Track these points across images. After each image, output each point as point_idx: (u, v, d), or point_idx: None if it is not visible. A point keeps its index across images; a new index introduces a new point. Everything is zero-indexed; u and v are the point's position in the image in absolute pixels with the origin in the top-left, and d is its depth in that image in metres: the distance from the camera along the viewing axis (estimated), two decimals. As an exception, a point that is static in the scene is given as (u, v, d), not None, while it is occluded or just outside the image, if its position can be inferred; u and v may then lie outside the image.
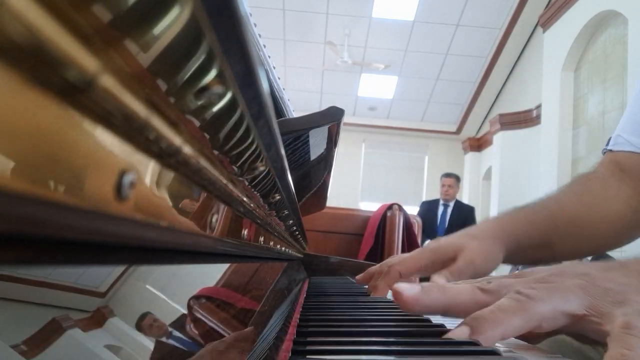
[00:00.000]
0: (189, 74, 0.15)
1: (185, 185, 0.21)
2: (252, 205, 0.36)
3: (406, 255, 0.67)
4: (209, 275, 0.33)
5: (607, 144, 0.88)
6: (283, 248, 0.72)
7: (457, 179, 4.93)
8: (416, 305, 0.43)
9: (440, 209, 4.79)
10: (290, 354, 0.35)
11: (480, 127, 7.95)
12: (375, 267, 0.67)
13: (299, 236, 0.98)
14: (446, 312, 0.44)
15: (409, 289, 0.43)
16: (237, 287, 0.40)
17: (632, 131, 0.83)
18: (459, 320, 0.45)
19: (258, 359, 0.30)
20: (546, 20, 5.28)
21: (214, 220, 0.26)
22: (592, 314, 0.38)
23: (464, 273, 0.66)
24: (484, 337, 0.38)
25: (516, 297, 0.39)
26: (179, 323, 0.25)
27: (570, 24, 4.82)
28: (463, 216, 4.60)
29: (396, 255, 0.80)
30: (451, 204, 4.79)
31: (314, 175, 1.08)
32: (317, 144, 0.76)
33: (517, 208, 0.83)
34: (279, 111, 0.78)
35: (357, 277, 0.85)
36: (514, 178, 6.15)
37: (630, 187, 0.82)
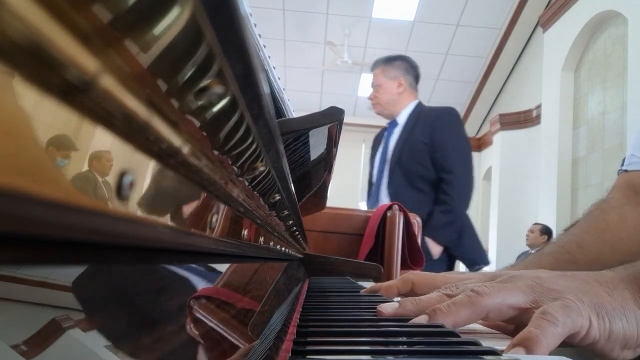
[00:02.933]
0: (189, 74, 0.15)
1: (185, 185, 0.21)
2: (252, 205, 0.36)
3: (495, 284, 0.54)
4: (209, 275, 0.33)
5: (622, 165, 0.87)
6: (283, 248, 0.72)
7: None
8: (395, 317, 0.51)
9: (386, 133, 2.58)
10: (290, 354, 0.35)
11: (480, 127, 7.95)
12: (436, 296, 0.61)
13: (299, 236, 0.98)
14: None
15: (388, 307, 0.53)
16: (237, 287, 0.40)
17: None
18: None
19: (258, 359, 0.30)
20: (546, 20, 5.28)
21: (214, 220, 0.26)
22: (535, 307, 0.46)
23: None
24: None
25: (468, 293, 0.48)
26: (179, 323, 0.25)
27: (570, 24, 4.83)
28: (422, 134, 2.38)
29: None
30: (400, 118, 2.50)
31: (314, 176, 1.08)
32: (317, 144, 0.76)
33: (540, 254, 0.82)
34: (279, 111, 0.78)
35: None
36: (514, 178, 6.15)
37: None
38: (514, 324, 0.51)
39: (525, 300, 0.47)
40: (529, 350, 0.40)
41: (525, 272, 0.53)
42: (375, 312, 0.62)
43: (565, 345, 0.46)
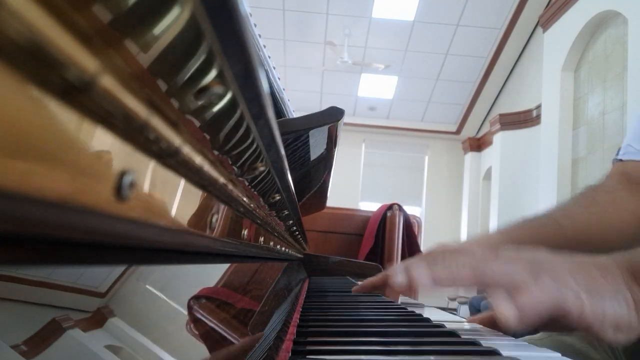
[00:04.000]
0: (189, 74, 0.15)
1: (185, 185, 0.21)
2: (252, 205, 0.36)
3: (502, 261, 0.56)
4: (209, 275, 0.33)
5: (617, 154, 0.88)
6: (283, 248, 0.72)
7: None
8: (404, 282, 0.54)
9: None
10: (290, 354, 0.35)
11: (480, 127, 7.95)
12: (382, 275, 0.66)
13: (299, 236, 0.98)
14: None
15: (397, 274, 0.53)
16: (237, 287, 0.40)
17: None
18: (459, 321, 0.55)
19: (258, 359, 0.30)
20: (546, 20, 5.28)
21: (214, 220, 0.26)
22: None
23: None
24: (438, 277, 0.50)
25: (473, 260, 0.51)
26: (179, 323, 0.25)
27: (570, 24, 4.82)
28: None
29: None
30: None
31: (314, 175, 1.08)
32: (317, 144, 0.76)
33: (524, 219, 0.84)
34: (279, 111, 0.78)
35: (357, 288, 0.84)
36: (514, 178, 6.15)
37: (639, 197, 0.82)
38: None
39: (524, 274, 0.48)
40: (517, 296, 0.45)
41: (526, 253, 0.53)
42: (375, 312, 0.62)
43: (563, 330, 0.48)
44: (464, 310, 5.38)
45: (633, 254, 0.53)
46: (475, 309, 4.42)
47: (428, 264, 0.51)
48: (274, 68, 0.79)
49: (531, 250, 0.54)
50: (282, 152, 0.33)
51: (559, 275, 0.47)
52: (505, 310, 0.45)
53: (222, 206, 0.28)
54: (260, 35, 0.70)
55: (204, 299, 0.30)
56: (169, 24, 0.13)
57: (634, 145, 0.85)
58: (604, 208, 0.82)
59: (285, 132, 0.56)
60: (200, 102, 0.17)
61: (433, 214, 8.13)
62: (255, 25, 0.63)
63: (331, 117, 0.64)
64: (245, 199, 0.33)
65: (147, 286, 0.22)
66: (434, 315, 0.66)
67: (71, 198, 0.12)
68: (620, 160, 0.87)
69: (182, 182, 0.21)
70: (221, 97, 0.18)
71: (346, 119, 0.73)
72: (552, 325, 0.49)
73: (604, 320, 0.46)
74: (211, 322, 0.29)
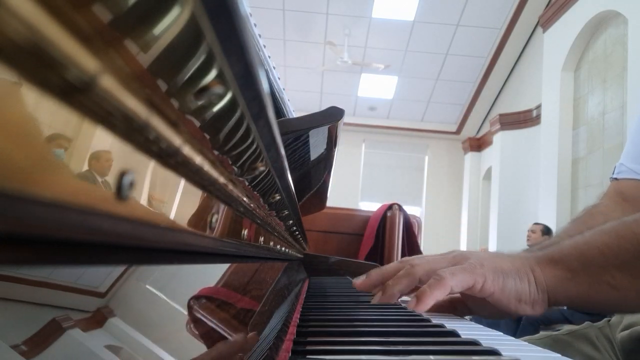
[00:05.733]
0: (189, 74, 0.15)
1: (185, 185, 0.21)
2: (252, 205, 0.36)
3: (430, 258, 0.73)
4: (209, 275, 0.33)
5: (613, 173, 0.91)
6: (283, 248, 0.72)
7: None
8: (363, 285, 0.73)
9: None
10: (290, 354, 0.35)
11: (480, 127, 7.95)
12: (395, 265, 0.74)
13: (299, 236, 0.98)
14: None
15: (358, 280, 0.74)
16: (237, 287, 0.40)
17: (634, 159, 0.88)
18: (459, 322, 0.61)
19: (258, 359, 0.30)
20: (546, 20, 5.28)
21: (214, 220, 0.26)
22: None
23: (462, 312, 0.73)
24: (387, 295, 0.66)
25: (407, 268, 0.67)
26: (179, 323, 0.25)
27: (570, 24, 4.82)
28: None
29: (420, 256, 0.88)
30: None
31: (314, 175, 1.08)
32: (317, 144, 0.76)
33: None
34: (279, 111, 0.78)
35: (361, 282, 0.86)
36: (514, 178, 6.15)
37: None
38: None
39: (448, 266, 0.65)
40: (420, 301, 0.61)
41: (464, 252, 0.69)
42: (374, 312, 0.62)
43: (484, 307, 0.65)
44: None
45: (542, 249, 0.68)
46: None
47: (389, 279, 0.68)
48: (274, 68, 0.79)
49: (476, 251, 0.71)
50: (282, 152, 0.33)
51: (472, 263, 0.63)
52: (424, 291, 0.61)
53: (222, 206, 0.29)
54: (260, 35, 0.70)
55: (204, 299, 0.30)
56: (169, 24, 0.13)
57: (627, 164, 0.88)
58: None
59: (285, 132, 0.56)
60: (200, 102, 0.17)
61: (433, 214, 8.13)
62: (255, 25, 0.63)
63: (331, 117, 0.64)
64: (245, 199, 0.33)
65: (147, 286, 0.22)
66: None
67: (71, 198, 0.12)
68: (616, 179, 0.90)
69: (182, 182, 0.21)
70: (221, 97, 0.18)
71: (346, 119, 0.73)
72: (473, 302, 0.68)
73: (504, 290, 0.62)
74: (211, 322, 0.29)
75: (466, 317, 0.71)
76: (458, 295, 0.71)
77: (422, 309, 0.61)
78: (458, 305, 0.72)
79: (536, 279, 0.63)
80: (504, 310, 0.64)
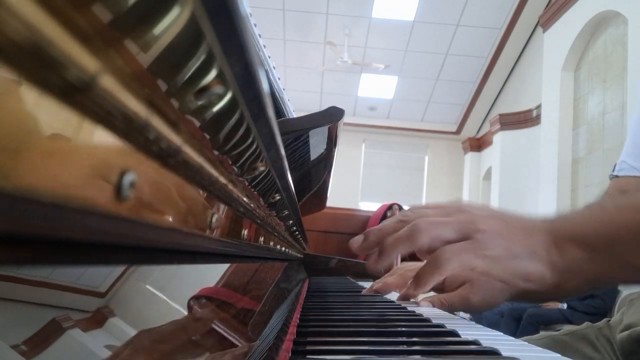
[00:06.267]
0: (189, 74, 0.15)
1: (185, 185, 0.21)
2: (252, 205, 0.36)
3: (431, 214, 0.66)
4: (209, 275, 0.33)
5: (613, 170, 0.91)
6: (283, 248, 0.72)
7: None
8: (360, 247, 0.65)
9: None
10: (290, 354, 0.35)
11: (480, 127, 7.95)
12: (393, 223, 0.68)
13: (299, 236, 0.98)
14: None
15: (355, 242, 0.65)
16: (237, 287, 0.40)
17: (635, 156, 0.87)
18: (459, 322, 0.59)
19: (258, 359, 0.30)
20: (546, 20, 5.28)
21: (214, 220, 0.26)
22: (462, 239, 0.58)
23: (455, 307, 0.72)
24: (383, 259, 0.60)
25: (410, 228, 0.59)
26: (179, 323, 0.25)
27: (570, 24, 4.82)
28: None
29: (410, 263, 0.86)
30: None
31: (314, 175, 1.08)
32: (317, 144, 0.76)
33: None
34: (279, 111, 0.78)
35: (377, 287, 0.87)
36: (514, 178, 6.15)
37: None
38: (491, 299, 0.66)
39: (455, 236, 0.58)
40: (417, 286, 0.60)
41: (475, 206, 0.63)
42: (375, 312, 0.62)
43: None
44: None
45: (559, 221, 0.62)
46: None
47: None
48: (274, 68, 0.79)
49: (485, 209, 0.64)
50: (282, 152, 0.33)
51: (482, 241, 0.57)
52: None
53: (222, 206, 0.29)
54: (260, 35, 0.70)
55: (204, 299, 0.30)
56: (169, 24, 0.13)
57: (628, 161, 0.87)
58: None
59: (285, 132, 0.56)
60: (200, 102, 0.17)
61: (433, 214, 8.11)
62: (255, 25, 0.63)
63: (331, 117, 0.64)
64: (245, 199, 0.33)
65: (147, 286, 0.22)
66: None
67: (71, 198, 0.12)
68: (616, 176, 0.89)
69: (182, 182, 0.21)
70: (221, 97, 0.18)
71: (346, 119, 0.73)
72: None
73: (513, 274, 0.57)
74: (211, 322, 0.29)
75: (466, 318, 0.71)
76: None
77: (421, 291, 0.61)
78: (447, 301, 0.70)
79: (553, 262, 0.58)
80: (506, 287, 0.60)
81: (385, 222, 0.66)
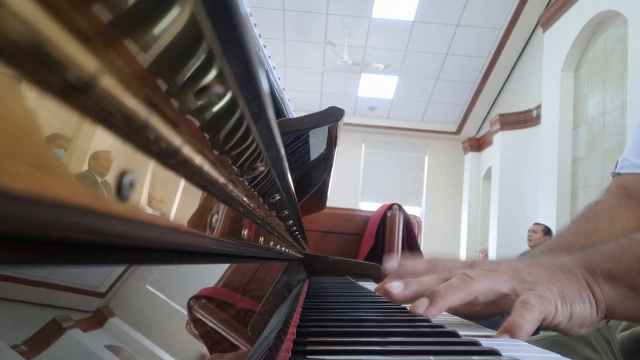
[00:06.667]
0: (189, 74, 0.15)
1: (185, 185, 0.21)
2: (252, 205, 0.36)
3: (483, 267, 0.65)
4: (209, 275, 0.33)
5: (615, 168, 0.91)
6: (283, 248, 0.72)
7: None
8: (401, 296, 0.62)
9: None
10: (290, 354, 0.35)
11: (480, 127, 7.95)
12: (433, 277, 0.65)
13: (299, 236, 0.98)
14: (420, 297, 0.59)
15: (396, 288, 0.62)
16: (237, 287, 0.40)
17: (637, 154, 0.87)
18: (460, 321, 0.60)
19: (258, 359, 0.30)
20: (546, 20, 5.28)
21: (214, 220, 0.26)
22: (513, 294, 0.57)
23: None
24: (438, 306, 0.56)
25: (462, 277, 0.57)
26: (179, 323, 0.25)
27: (570, 24, 4.82)
28: None
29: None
30: None
31: (314, 176, 1.08)
32: (317, 144, 0.76)
33: (533, 256, 0.85)
34: (279, 111, 0.78)
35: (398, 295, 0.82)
36: (514, 178, 6.15)
37: (637, 214, 0.84)
38: (494, 309, 0.63)
39: (507, 287, 0.57)
40: (514, 335, 0.50)
41: (503, 262, 0.63)
42: (374, 312, 0.62)
43: (541, 329, 0.58)
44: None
45: (589, 254, 0.62)
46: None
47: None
48: (274, 68, 0.79)
49: (506, 260, 0.63)
50: (282, 152, 0.33)
51: (544, 291, 0.55)
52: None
53: (222, 206, 0.29)
54: (260, 35, 0.70)
55: (204, 299, 0.30)
56: (169, 24, 0.13)
57: (630, 158, 0.87)
58: (603, 238, 0.84)
59: (285, 132, 0.56)
60: (200, 102, 0.17)
61: (433, 214, 8.13)
62: (255, 25, 0.63)
63: (331, 117, 0.64)
64: (245, 199, 0.33)
65: (147, 286, 0.22)
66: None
67: (71, 198, 0.12)
68: (618, 173, 0.89)
69: (182, 182, 0.21)
70: (221, 97, 0.18)
71: (346, 119, 0.73)
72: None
73: (571, 319, 0.56)
74: (211, 322, 0.29)
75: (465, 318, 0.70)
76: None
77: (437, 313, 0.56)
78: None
79: (596, 300, 0.57)
80: (559, 332, 0.58)
81: (425, 278, 0.64)
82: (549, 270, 0.59)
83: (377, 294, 0.85)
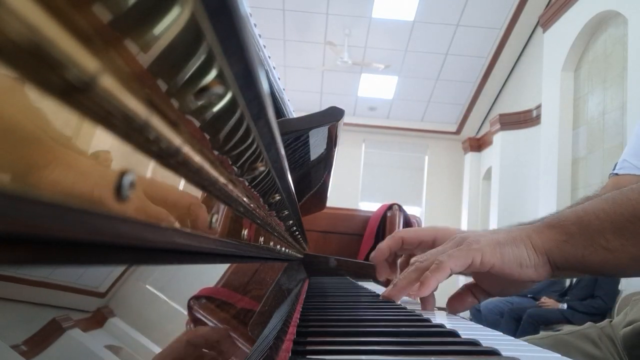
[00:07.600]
0: (189, 74, 0.15)
1: (185, 185, 0.21)
2: (252, 205, 0.36)
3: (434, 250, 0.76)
4: (209, 275, 0.33)
5: (614, 169, 0.92)
6: (283, 248, 0.72)
7: None
8: (396, 291, 0.74)
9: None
10: (290, 354, 0.35)
11: (480, 127, 7.95)
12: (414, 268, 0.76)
13: (299, 236, 0.98)
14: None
15: (387, 292, 0.75)
16: (237, 287, 0.40)
17: (637, 156, 0.88)
18: (459, 322, 0.63)
19: (258, 359, 0.30)
20: (546, 20, 5.28)
21: (214, 220, 0.26)
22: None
23: (480, 295, 0.80)
24: (428, 287, 0.67)
25: (435, 264, 0.68)
26: (179, 323, 0.25)
27: (570, 24, 4.82)
28: None
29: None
30: None
31: (314, 176, 1.08)
32: (317, 144, 0.76)
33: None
34: (279, 111, 0.78)
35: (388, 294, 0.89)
36: (514, 178, 6.15)
37: None
38: (495, 281, 0.74)
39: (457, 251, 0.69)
40: (423, 285, 0.67)
41: (470, 235, 0.72)
42: (374, 312, 0.62)
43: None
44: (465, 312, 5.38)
45: (549, 216, 0.71)
46: (475, 309, 4.42)
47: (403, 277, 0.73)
48: (274, 68, 0.79)
49: (475, 231, 0.74)
50: (282, 152, 0.33)
51: (469, 242, 0.67)
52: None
53: (222, 206, 0.28)
54: (260, 35, 0.70)
55: (204, 299, 0.30)
56: (169, 24, 0.13)
57: (630, 160, 0.88)
58: None
59: (285, 132, 0.56)
60: (200, 102, 0.17)
61: (433, 214, 8.13)
62: (255, 25, 0.63)
63: (331, 117, 0.64)
64: (245, 199, 0.33)
65: (147, 286, 0.22)
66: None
67: (71, 198, 0.12)
68: (616, 174, 0.90)
69: (182, 182, 0.21)
70: (221, 97, 0.18)
71: (346, 119, 0.73)
72: (485, 282, 0.74)
73: (503, 260, 0.65)
74: (211, 322, 0.29)
75: (466, 318, 0.73)
76: (471, 280, 0.77)
77: (425, 292, 0.67)
78: (474, 290, 0.77)
79: (533, 244, 0.66)
80: (510, 279, 0.67)
81: (405, 273, 0.75)
82: (491, 231, 0.72)
83: (377, 294, 0.85)
